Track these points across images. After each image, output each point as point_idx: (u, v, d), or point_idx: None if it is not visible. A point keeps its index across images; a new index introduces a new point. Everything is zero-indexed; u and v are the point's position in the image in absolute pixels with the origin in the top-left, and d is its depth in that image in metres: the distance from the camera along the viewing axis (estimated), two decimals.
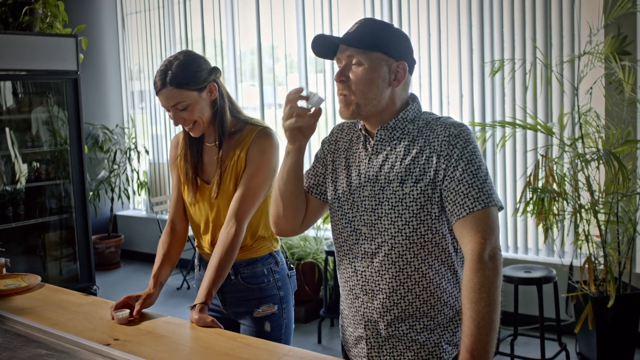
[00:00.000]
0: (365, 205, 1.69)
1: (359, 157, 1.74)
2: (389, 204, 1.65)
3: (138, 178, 7.23)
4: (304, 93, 1.66)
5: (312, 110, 1.67)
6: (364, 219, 1.69)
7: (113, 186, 7.09)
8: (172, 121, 2.22)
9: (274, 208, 1.85)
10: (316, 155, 1.88)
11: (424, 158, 1.63)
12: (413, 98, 1.75)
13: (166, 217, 6.92)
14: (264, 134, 2.18)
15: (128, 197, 7.33)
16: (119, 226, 7.44)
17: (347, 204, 1.73)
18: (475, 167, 1.58)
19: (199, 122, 2.17)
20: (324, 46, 1.69)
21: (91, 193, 6.89)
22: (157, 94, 2.12)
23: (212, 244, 2.26)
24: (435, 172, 1.60)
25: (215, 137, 2.23)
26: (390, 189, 1.65)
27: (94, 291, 5.05)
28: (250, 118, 2.27)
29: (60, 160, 5.19)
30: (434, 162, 1.61)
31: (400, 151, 1.66)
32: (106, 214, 7.28)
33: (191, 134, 2.21)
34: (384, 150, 1.69)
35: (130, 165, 7.19)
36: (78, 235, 5.12)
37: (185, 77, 2.09)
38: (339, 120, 1.95)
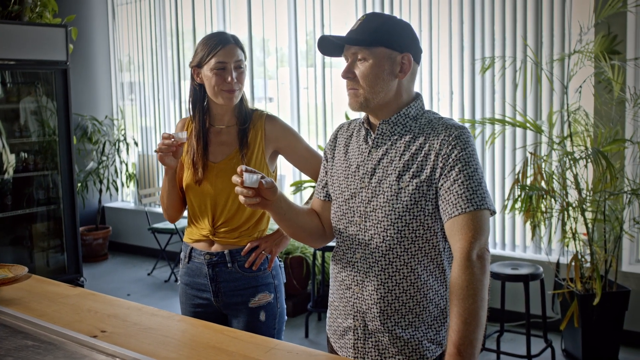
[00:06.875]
0: (361, 196, 1.72)
1: (359, 150, 1.78)
2: (384, 197, 1.67)
3: (127, 170, 7.20)
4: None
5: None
6: (359, 210, 1.72)
7: (101, 178, 7.06)
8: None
9: (298, 239, 1.92)
10: (321, 164, 1.93)
11: (422, 155, 1.65)
12: (417, 96, 1.78)
13: (154, 209, 6.91)
14: (272, 116, 2.34)
15: (116, 189, 7.30)
16: (107, 218, 7.40)
17: (344, 195, 1.77)
18: (472, 170, 1.62)
19: (241, 90, 2.28)
20: (330, 46, 1.74)
21: (79, 184, 6.86)
22: (223, 46, 2.24)
23: (212, 224, 2.27)
24: (432, 170, 1.63)
25: (231, 120, 2.31)
26: (386, 183, 1.68)
27: (81, 283, 5.03)
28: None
29: (48, 150, 5.15)
30: (432, 160, 1.64)
31: (400, 147, 1.69)
32: (94, 206, 7.25)
33: (232, 99, 2.25)
34: (385, 144, 1.72)
35: (119, 157, 7.15)
36: (66, 226, 5.08)
37: (242, 46, 2.31)
38: (332, 118, 1.98)
